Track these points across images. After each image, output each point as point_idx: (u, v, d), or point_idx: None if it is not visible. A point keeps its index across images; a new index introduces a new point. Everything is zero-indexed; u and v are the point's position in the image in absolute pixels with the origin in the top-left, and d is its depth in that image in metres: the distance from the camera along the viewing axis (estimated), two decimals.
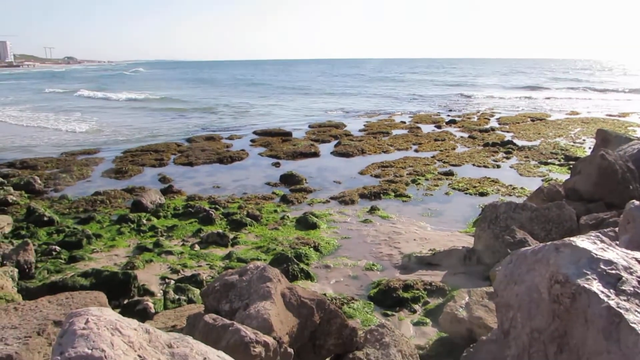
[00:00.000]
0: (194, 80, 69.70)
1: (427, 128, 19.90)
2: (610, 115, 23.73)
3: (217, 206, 9.43)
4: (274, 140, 16.95)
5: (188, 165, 13.51)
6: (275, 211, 9.26)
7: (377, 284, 5.97)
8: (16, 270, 6.06)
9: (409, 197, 10.09)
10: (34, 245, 6.99)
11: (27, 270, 6.35)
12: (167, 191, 10.49)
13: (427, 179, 11.44)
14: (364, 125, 20.96)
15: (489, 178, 11.37)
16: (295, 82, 58.50)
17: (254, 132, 19.16)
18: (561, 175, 11.47)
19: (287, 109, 28.90)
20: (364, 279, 6.27)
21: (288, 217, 8.76)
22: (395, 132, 18.96)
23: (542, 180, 11.17)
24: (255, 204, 9.66)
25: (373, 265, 6.65)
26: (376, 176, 11.89)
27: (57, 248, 7.23)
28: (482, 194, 10.18)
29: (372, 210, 9.12)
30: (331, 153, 15.01)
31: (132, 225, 8.36)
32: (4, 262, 6.26)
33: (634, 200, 3.57)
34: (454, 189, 10.63)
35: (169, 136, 18.78)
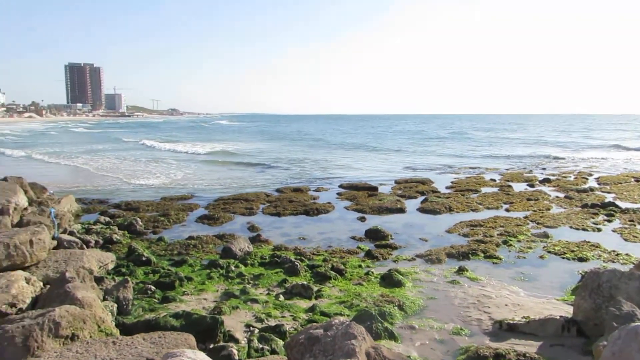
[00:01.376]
0: (269, 133, 74.69)
1: (518, 187, 19.10)
2: None
3: (302, 257, 9.55)
4: (359, 195, 17.03)
5: (276, 216, 13.89)
6: (360, 266, 9.21)
7: (465, 350, 5.66)
8: (115, 305, 6.51)
9: (500, 258, 9.61)
10: (132, 283, 7.46)
11: (125, 306, 6.76)
12: (255, 240, 10.83)
13: (519, 241, 10.88)
14: (451, 182, 20.54)
15: (588, 242, 10.58)
16: (368, 138, 59.21)
17: (340, 186, 19.40)
18: None
19: (367, 166, 28.63)
20: (450, 343, 5.98)
21: (372, 272, 8.66)
22: (484, 190, 18.37)
23: None
24: (339, 258, 9.67)
25: (461, 329, 6.34)
26: (464, 235, 11.50)
27: (152, 287, 7.66)
28: (581, 259, 9.48)
29: (460, 270, 8.78)
30: (417, 209, 14.76)
31: (221, 271, 8.67)
32: (106, 296, 6.72)
33: None
34: (549, 252, 9.99)
35: (255, 187, 19.50)
